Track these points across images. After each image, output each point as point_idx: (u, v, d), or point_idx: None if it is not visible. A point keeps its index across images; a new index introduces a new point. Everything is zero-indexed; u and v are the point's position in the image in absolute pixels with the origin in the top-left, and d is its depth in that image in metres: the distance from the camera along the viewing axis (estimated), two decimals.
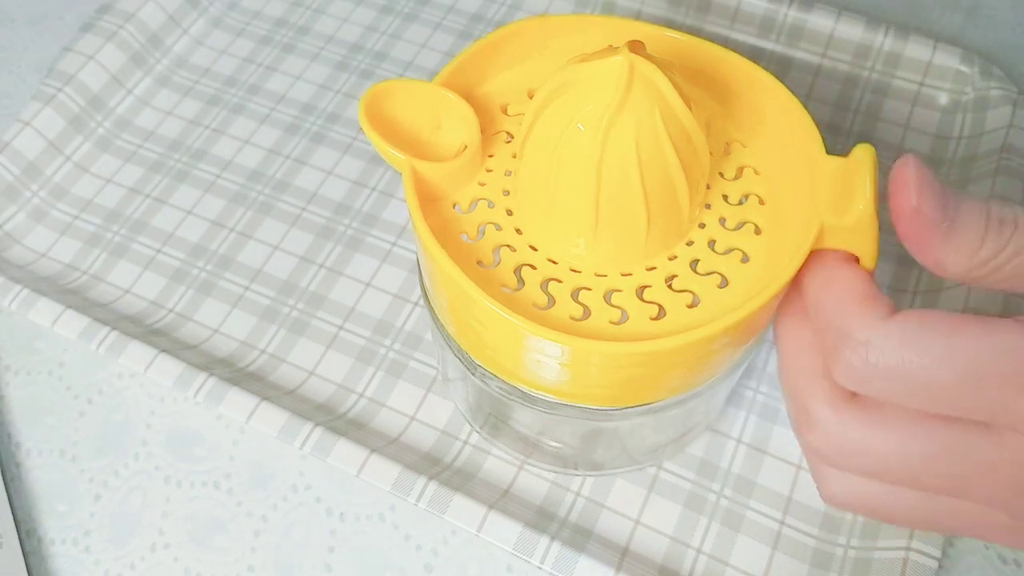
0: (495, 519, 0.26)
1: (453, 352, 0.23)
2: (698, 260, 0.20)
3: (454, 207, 0.21)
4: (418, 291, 0.32)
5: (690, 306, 0.20)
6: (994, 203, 0.19)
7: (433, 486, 0.26)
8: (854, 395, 0.19)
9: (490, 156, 0.22)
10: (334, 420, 0.29)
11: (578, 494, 0.28)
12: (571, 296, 0.20)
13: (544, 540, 0.25)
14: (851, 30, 0.36)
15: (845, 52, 0.37)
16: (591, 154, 0.18)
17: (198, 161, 0.36)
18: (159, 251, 0.34)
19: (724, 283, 0.20)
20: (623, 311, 0.19)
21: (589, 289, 0.20)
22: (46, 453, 0.30)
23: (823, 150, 0.20)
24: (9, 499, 0.29)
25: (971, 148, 0.34)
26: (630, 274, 0.20)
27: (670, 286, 0.20)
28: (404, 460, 0.27)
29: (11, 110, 0.38)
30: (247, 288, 0.33)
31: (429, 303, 0.23)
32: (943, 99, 0.36)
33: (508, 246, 0.20)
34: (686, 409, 0.23)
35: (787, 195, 0.21)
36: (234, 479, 0.29)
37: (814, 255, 0.19)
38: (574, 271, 0.20)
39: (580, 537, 0.27)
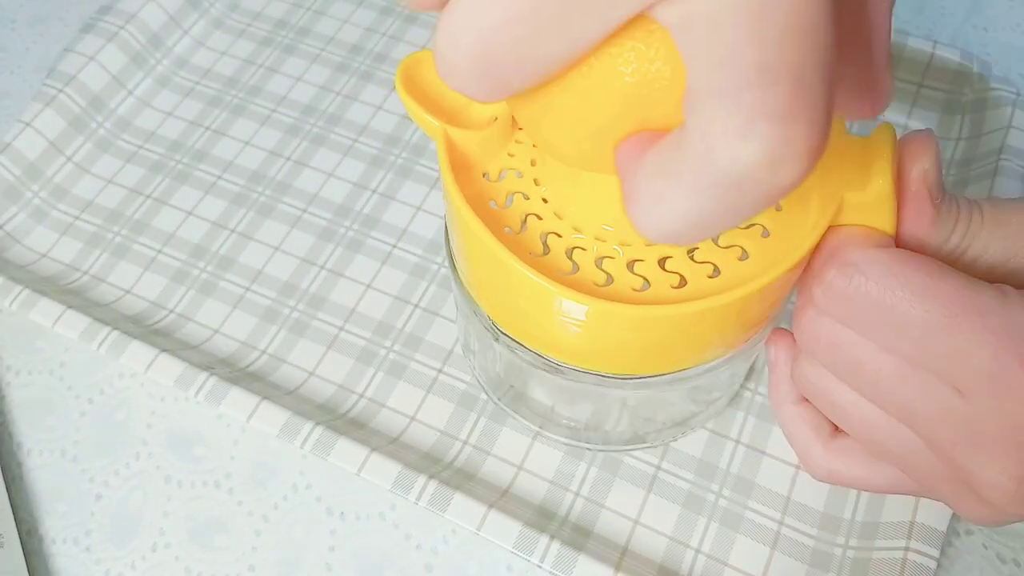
0: (495, 518, 0.26)
1: (479, 320, 0.24)
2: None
3: (483, 176, 0.22)
4: (418, 293, 0.32)
5: (710, 276, 0.20)
6: (958, 195, 0.20)
7: (433, 485, 0.26)
8: None
9: (520, 128, 0.22)
10: (334, 420, 0.29)
11: (578, 494, 0.28)
12: (595, 264, 0.20)
13: (544, 539, 0.25)
14: None
15: None
16: None
17: (199, 162, 0.36)
18: (160, 252, 0.34)
19: (744, 256, 0.20)
20: (645, 279, 0.20)
21: (612, 258, 0.20)
22: (47, 453, 0.30)
23: (844, 130, 0.20)
24: (10, 498, 0.29)
25: (970, 149, 0.34)
26: (653, 245, 0.21)
27: (692, 257, 0.20)
28: (404, 459, 0.27)
29: (12, 110, 0.38)
30: (248, 289, 0.33)
31: (456, 273, 0.24)
32: (942, 99, 0.36)
33: (535, 214, 0.21)
34: (693, 387, 0.24)
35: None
36: (235, 478, 0.29)
37: (832, 230, 0.20)
38: (599, 240, 0.21)
39: (580, 536, 0.27)
